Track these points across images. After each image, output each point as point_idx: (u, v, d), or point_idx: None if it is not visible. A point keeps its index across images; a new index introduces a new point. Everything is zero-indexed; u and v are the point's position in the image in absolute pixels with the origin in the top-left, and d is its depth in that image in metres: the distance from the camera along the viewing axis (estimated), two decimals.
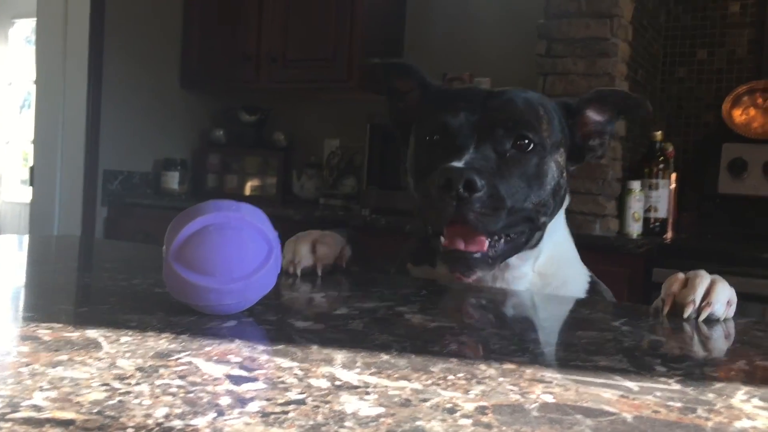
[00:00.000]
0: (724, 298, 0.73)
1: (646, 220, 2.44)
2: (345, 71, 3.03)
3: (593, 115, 0.95)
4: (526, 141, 0.85)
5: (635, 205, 2.37)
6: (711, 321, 0.71)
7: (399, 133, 1.02)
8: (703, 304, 0.72)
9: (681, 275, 0.76)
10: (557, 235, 0.97)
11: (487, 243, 0.82)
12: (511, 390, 0.43)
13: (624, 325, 0.67)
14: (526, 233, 0.87)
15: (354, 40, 3.02)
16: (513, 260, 0.91)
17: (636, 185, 2.39)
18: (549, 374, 0.47)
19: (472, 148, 0.84)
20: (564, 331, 0.63)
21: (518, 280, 0.93)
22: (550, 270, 0.95)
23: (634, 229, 2.37)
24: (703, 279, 0.74)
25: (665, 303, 0.74)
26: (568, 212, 1.04)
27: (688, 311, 0.71)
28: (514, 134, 0.85)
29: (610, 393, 0.43)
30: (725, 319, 0.72)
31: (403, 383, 0.43)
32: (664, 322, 0.70)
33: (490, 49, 3.05)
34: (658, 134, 2.54)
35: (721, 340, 0.65)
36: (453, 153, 0.83)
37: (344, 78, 3.04)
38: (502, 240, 0.84)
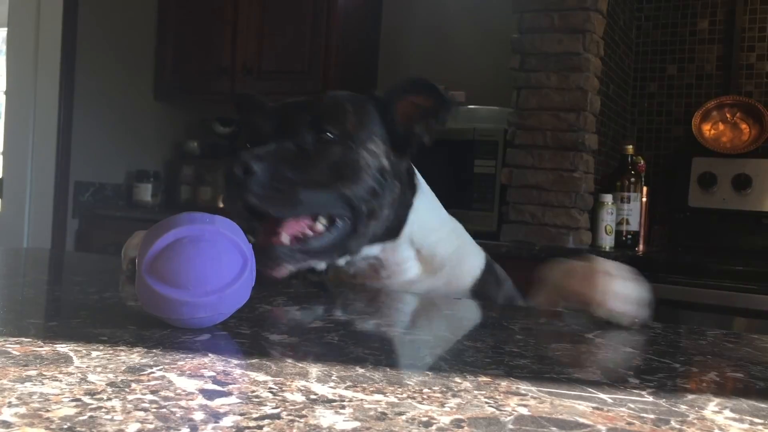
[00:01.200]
0: (621, 294, 0.74)
1: (618, 233, 2.47)
2: (320, 83, 3.04)
3: (416, 101, 0.95)
4: (329, 134, 0.87)
5: (607, 218, 2.40)
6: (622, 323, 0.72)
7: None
8: (600, 301, 0.73)
9: (580, 268, 0.79)
10: (429, 222, 0.98)
11: (286, 236, 0.84)
12: (487, 403, 0.43)
13: (597, 337, 0.68)
14: (350, 222, 0.88)
15: (329, 52, 3.03)
16: (379, 253, 0.93)
17: (608, 198, 2.42)
18: (524, 387, 0.47)
19: (272, 143, 0.87)
20: (538, 343, 0.63)
21: (405, 273, 0.95)
22: (436, 255, 0.97)
23: (607, 241, 2.39)
24: (600, 275, 0.76)
25: (566, 299, 0.77)
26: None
27: (594, 310, 0.73)
28: (315, 128, 0.88)
29: (584, 405, 0.43)
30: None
31: (378, 396, 0.43)
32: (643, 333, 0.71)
33: (464, 63, 3.08)
34: (630, 148, 2.58)
35: (692, 352, 0.66)
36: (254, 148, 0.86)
37: (319, 90, 3.05)
38: (320, 235, 0.86)
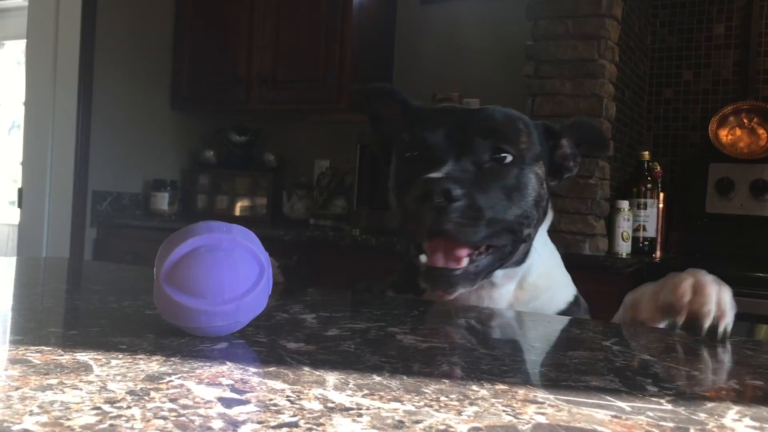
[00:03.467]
0: (731, 304, 0.72)
1: (634, 240, 2.45)
2: (335, 92, 3.05)
3: (568, 140, 0.98)
4: (505, 153, 0.86)
5: (624, 225, 2.38)
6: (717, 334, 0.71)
7: (383, 154, 1.03)
8: (718, 314, 0.71)
9: (688, 281, 0.75)
10: (544, 250, 0.98)
11: (466, 259, 0.83)
12: (504, 411, 0.43)
13: (615, 344, 0.68)
14: (509, 246, 0.87)
15: (344, 61, 3.04)
16: (499, 279, 0.92)
17: (624, 205, 2.40)
18: (541, 395, 0.47)
19: (451, 161, 0.84)
20: (555, 351, 0.63)
21: (504, 298, 0.94)
22: (541, 284, 0.96)
23: (623, 248, 2.38)
24: (712, 285, 0.73)
25: (679, 314, 0.73)
26: (555, 231, 1.06)
27: (707, 323, 0.71)
28: (492, 146, 0.86)
29: (602, 413, 0.43)
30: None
31: (395, 405, 0.43)
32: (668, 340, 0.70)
33: (478, 70, 3.08)
34: (646, 154, 2.56)
35: (711, 359, 0.65)
36: (432, 167, 0.84)
37: (334, 99, 3.06)
38: (483, 254, 0.85)
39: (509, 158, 0.86)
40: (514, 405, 0.44)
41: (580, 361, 0.59)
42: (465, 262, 0.82)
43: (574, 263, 2.25)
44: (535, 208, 0.89)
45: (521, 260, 0.93)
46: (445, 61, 3.19)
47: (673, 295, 0.75)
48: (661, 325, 0.80)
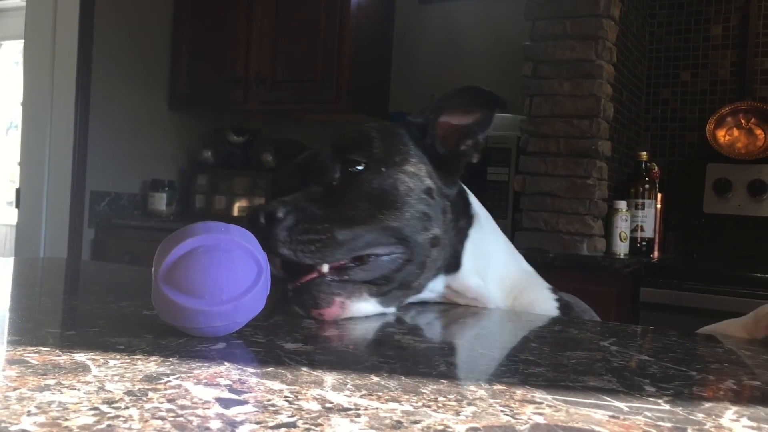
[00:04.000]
0: None
1: (632, 240, 2.46)
2: (333, 93, 3.05)
3: (453, 120, 0.86)
4: (354, 163, 0.78)
5: (622, 225, 2.39)
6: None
7: None
8: None
9: None
10: (488, 252, 0.90)
11: (326, 266, 0.73)
12: (502, 411, 0.43)
13: (612, 344, 0.68)
14: (403, 252, 0.77)
15: (342, 61, 3.04)
16: (446, 288, 0.86)
17: (622, 205, 2.41)
18: (539, 395, 0.47)
19: (297, 192, 0.77)
20: (553, 351, 0.63)
21: (479, 294, 0.88)
22: (506, 279, 0.91)
23: (621, 248, 2.38)
24: None
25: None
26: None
27: None
28: (339, 161, 0.79)
29: (600, 413, 0.43)
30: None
31: (393, 405, 0.43)
32: (656, 341, 0.70)
33: (477, 71, 3.08)
34: (644, 154, 2.57)
35: (709, 360, 0.65)
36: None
37: (332, 99, 3.06)
38: (362, 264, 0.75)
39: (360, 167, 0.78)
40: (512, 405, 0.44)
41: (578, 361, 0.59)
42: (325, 268, 0.73)
43: (571, 263, 2.25)
44: (426, 206, 0.79)
45: (455, 267, 0.85)
46: (443, 62, 3.20)
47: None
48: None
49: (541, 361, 0.58)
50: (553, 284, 0.97)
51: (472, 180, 0.95)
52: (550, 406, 0.44)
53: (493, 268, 0.90)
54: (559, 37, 2.38)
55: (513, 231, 2.43)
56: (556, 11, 2.39)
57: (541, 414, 0.42)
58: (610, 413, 0.43)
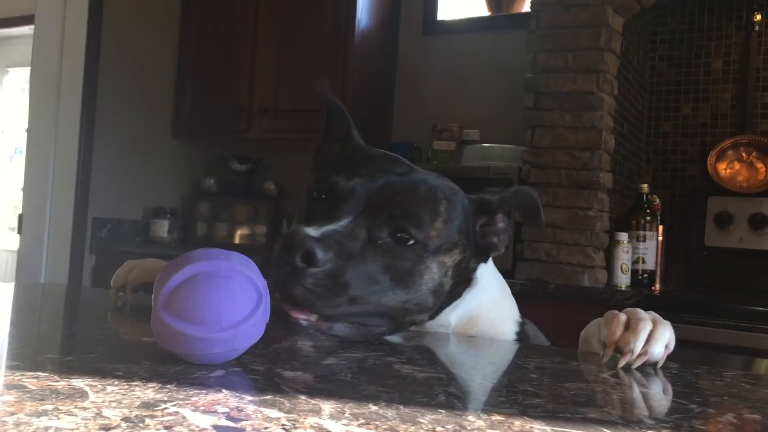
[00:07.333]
0: (663, 343, 0.72)
1: (634, 272, 2.45)
2: None
3: (502, 213, 0.89)
4: (406, 236, 0.77)
5: (623, 257, 2.38)
6: (649, 366, 0.72)
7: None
8: (641, 352, 0.70)
9: (623, 318, 0.74)
10: (472, 309, 0.91)
11: (314, 316, 0.74)
12: None
13: (613, 376, 0.67)
14: (384, 328, 0.79)
15: (345, 92, 3.07)
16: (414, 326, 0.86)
17: (624, 237, 2.41)
18: (538, 426, 0.46)
19: (348, 220, 0.76)
20: (553, 382, 0.63)
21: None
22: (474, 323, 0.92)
23: (623, 280, 2.38)
24: (645, 324, 0.72)
25: (607, 349, 0.73)
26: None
27: (624, 362, 0.70)
28: (395, 224, 0.77)
29: None
30: (656, 364, 0.72)
31: None
32: (659, 372, 0.70)
33: (479, 102, 3.11)
34: (645, 187, 2.57)
35: (709, 393, 0.65)
36: (327, 218, 0.76)
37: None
38: (346, 324, 0.76)
39: (410, 243, 0.77)
40: None
41: (578, 392, 0.58)
42: (312, 317, 0.74)
43: (572, 295, 2.24)
44: (431, 296, 0.81)
45: (431, 316, 0.86)
46: (445, 93, 3.22)
47: (607, 331, 0.74)
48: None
49: (540, 392, 0.58)
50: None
51: None
52: None
53: (477, 313, 0.91)
54: (560, 69, 2.40)
55: (514, 262, 2.43)
56: (557, 44, 2.41)
57: None
58: None
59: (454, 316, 0.89)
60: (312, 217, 0.79)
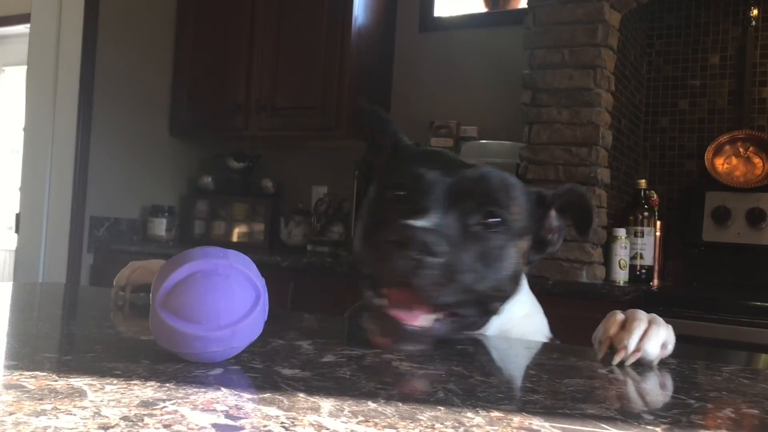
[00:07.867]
0: (658, 342, 0.72)
1: (632, 268, 2.45)
2: (333, 119, 3.07)
3: (556, 210, 0.93)
4: (495, 220, 0.80)
5: (621, 252, 2.39)
6: (645, 365, 0.72)
7: (366, 185, 0.97)
8: (634, 349, 0.71)
9: (620, 316, 0.75)
10: (511, 319, 0.93)
11: (428, 318, 0.76)
12: None
13: (611, 372, 0.67)
14: (475, 317, 0.82)
15: (342, 88, 3.06)
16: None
17: (621, 232, 2.41)
18: (537, 422, 0.46)
19: (437, 212, 0.77)
20: (551, 378, 0.63)
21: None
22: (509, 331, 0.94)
23: (621, 276, 2.38)
24: (640, 323, 0.73)
25: (601, 346, 0.74)
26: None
27: (618, 359, 0.71)
28: (484, 209, 0.79)
29: None
30: (653, 362, 0.72)
31: None
32: (654, 369, 0.70)
33: (476, 98, 3.10)
34: (642, 182, 2.57)
35: (707, 388, 0.65)
36: (416, 212, 0.76)
37: (332, 126, 3.08)
38: (446, 320, 0.78)
39: (497, 227, 0.80)
40: None
41: (576, 388, 0.59)
42: (425, 321, 0.76)
43: (571, 291, 2.24)
44: (510, 283, 0.83)
45: (480, 326, 0.88)
46: (442, 89, 3.22)
47: (603, 328, 0.75)
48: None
49: (539, 388, 0.58)
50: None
51: None
52: None
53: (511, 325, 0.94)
54: (557, 65, 2.40)
55: None
56: (554, 40, 2.41)
57: None
58: None
59: (487, 327, 0.90)
60: (394, 214, 0.78)
